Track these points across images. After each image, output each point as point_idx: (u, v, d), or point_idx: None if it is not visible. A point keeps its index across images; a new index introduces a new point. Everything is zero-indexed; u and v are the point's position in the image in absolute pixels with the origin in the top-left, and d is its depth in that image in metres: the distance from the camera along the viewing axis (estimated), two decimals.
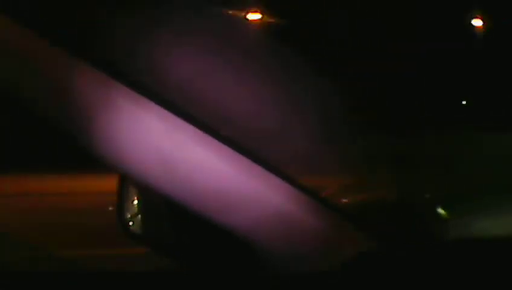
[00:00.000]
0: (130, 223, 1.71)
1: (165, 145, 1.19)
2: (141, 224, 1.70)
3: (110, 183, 1.70)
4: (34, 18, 1.16)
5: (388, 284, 1.33)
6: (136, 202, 1.68)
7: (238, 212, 1.24)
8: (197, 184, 1.22)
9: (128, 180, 1.63)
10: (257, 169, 1.24)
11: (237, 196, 1.23)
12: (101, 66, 1.15)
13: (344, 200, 2.86)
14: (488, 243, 1.44)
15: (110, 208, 2.12)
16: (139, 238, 1.76)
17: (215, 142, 1.21)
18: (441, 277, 1.34)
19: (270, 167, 1.25)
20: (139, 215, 1.69)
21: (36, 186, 4.03)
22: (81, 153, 1.19)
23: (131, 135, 1.17)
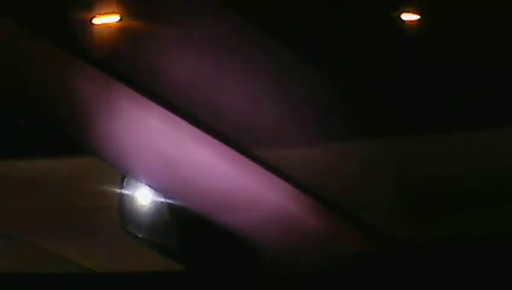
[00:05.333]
0: (131, 223, 1.71)
1: (165, 145, 1.19)
2: (142, 223, 1.70)
3: None
4: (35, 18, 1.16)
5: (387, 284, 1.33)
6: (136, 201, 1.68)
7: (238, 212, 1.24)
8: (197, 184, 1.22)
9: (129, 180, 1.63)
10: (257, 169, 1.24)
11: (237, 196, 1.23)
12: (102, 66, 1.15)
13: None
14: (487, 242, 1.44)
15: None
16: (140, 237, 1.76)
17: (215, 142, 1.21)
18: (440, 277, 1.34)
19: (270, 167, 1.25)
20: (140, 215, 1.69)
21: None
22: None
23: (132, 135, 1.17)
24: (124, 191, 1.70)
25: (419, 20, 2.43)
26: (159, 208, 1.56)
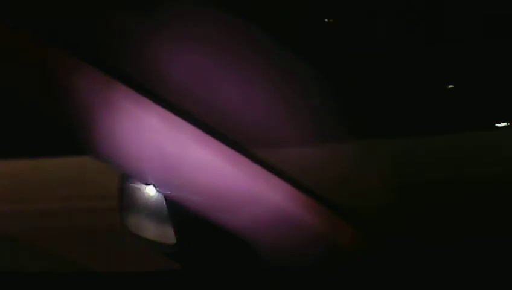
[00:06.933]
0: (131, 222, 1.71)
1: (165, 146, 1.19)
2: (142, 223, 1.70)
3: None
4: (34, 18, 1.16)
5: (386, 284, 1.34)
6: (136, 201, 1.68)
7: (238, 211, 1.24)
8: (197, 184, 1.22)
9: (128, 180, 1.63)
10: (257, 169, 1.24)
11: (237, 195, 1.23)
12: (102, 66, 1.16)
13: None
14: (486, 242, 1.45)
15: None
16: (140, 237, 1.76)
17: (215, 142, 1.21)
18: (440, 277, 1.34)
19: (270, 166, 1.25)
20: (140, 215, 1.69)
21: None
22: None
23: (132, 135, 1.17)
24: (124, 191, 1.70)
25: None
26: (159, 208, 1.56)
